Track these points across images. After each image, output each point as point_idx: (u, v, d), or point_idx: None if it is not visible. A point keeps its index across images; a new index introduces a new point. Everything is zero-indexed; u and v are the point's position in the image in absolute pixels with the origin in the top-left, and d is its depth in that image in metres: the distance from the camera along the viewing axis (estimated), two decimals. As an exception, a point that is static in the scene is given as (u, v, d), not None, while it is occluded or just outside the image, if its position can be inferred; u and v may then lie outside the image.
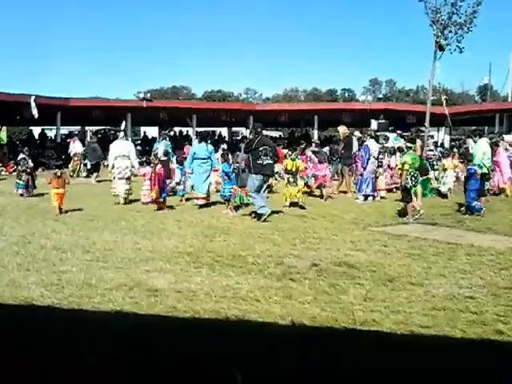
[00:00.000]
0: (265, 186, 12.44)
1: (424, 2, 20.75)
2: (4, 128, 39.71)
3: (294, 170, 14.54)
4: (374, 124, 19.72)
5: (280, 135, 52.38)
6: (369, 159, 15.66)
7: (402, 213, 12.38)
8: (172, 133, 38.49)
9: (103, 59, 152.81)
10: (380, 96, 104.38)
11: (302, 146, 17.64)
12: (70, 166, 25.13)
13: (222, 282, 6.90)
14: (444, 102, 23.95)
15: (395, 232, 10.45)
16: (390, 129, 35.62)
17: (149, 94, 36.71)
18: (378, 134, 32.47)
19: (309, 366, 4.42)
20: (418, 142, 14.98)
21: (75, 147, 26.08)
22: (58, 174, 13.38)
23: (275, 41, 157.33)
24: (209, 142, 15.62)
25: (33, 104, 28.14)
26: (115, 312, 5.73)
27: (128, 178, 15.16)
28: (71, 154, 25.99)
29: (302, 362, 4.47)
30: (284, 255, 8.39)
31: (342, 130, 18.36)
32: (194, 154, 14.04)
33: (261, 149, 12.12)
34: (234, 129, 47.04)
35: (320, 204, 14.75)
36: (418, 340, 5.04)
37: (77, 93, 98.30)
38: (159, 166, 13.72)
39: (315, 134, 38.96)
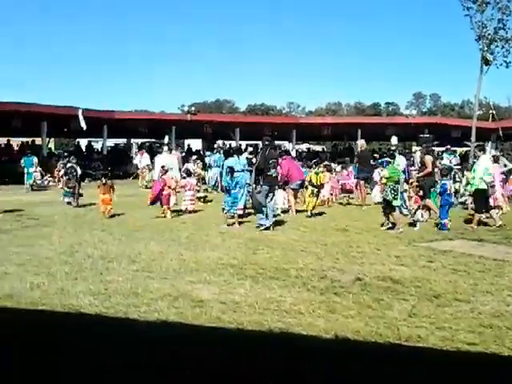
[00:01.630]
0: (271, 196, 12.74)
1: (470, 16, 20.55)
2: (52, 140, 40.70)
3: (318, 183, 15.21)
4: (394, 139, 19.70)
5: (323, 149, 52.31)
6: None
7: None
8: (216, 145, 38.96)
9: (148, 73, 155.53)
10: (424, 110, 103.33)
11: (326, 163, 18.33)
12: (139, 178, 25.77)
13: (266, 294, 6.92)
14: (491, 116, 23.58)
15: (441, 247, 10.30)
16: (435, 143, 35.27)
17: (193, 108, 37.19)
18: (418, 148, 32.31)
19: (351, 381, 4.41)
20: (429, 157, 14.73)
21: (143, 160, 26.56)
22: (103, 181, 14.67)
23: (318, 54, 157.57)
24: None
25: (81, 117, 28.80)
26: (160, 322, 5.81)
27: (174, 189, 15.52)
28: (139, 167, 26.41)
29: (345, 377, 4.46)
30: (327, 269, 8.37)
31: (361, 143, 18.55)
32: (229, 167, 14.14)
33: (271, 162, 12.67)
34: (276, 142, 47.14)
35: (363, 218, 14.63)
36: (464, 357, 4.97)
37: (122, 106, 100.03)
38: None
39: (358, 147, 38.70)
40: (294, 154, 24.02)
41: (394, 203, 12.53)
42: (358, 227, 12.82)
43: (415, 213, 13.08)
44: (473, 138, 21.78)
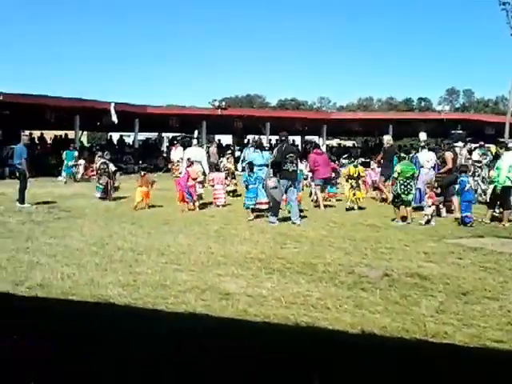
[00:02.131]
0: (292, 191, 12.82)
1: (506, 11, 20.20)
2: (85, 133, 41.21)
3: (356, 175, 15.53)
4: (422, 135, 19.54)
5: (354, 144, 51.98)
6: (419, 169, 15.60)
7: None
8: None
9: (180, 68, 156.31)
10: (457, 106, 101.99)
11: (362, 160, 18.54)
12: (171, 171, 26.06)
13: (293, 288, 6.94)
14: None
15: (471, 244, 10.19)
16: (468, 139, 34.75)
17: (224, 103, 37.21)
18: (455, 144, 31.81)
19: (376, 375, 4.41)
20: (449, 154, 14.58)
21: (176, 153, 26.79)
22: (142, 174, 15.34)
23: (350, 49, 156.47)
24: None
25: (113, 111, 29.08)
26: (188, 313, 5.87)
27: (200, 182, 15.83)
28: (174, 161, 26.65)
29: (371, 372, 4.46)
30: (355, 264, 8.35)
31: (387, 138, 18.30)
32: (253, 161, 14.18)
33: (287, 156, 12.68)
34: (307, 137, 46.93)
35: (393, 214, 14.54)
36: (492, 355, 4.93)
37: (154, 100, 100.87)
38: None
39: (384, 143, 38.28)
40: (324, 149, 23.84)
41: (403, 197, 12.79)
42: (387, 223, 12.73)
43: (428, 208, 12.98)
44: (506, 135, 21.39)
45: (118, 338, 5.05)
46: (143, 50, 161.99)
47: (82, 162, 26.25)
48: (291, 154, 12.84)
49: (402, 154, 14.45)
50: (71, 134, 33.18)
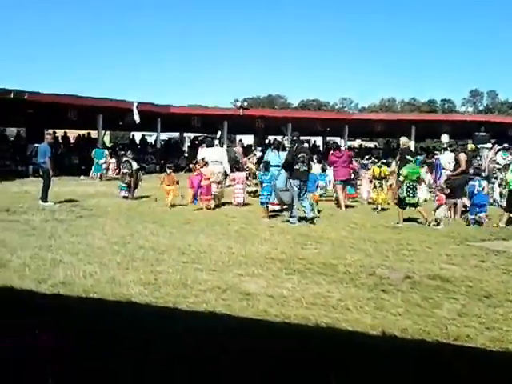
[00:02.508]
0: (303, 192, 12.99)
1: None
2: (107, 133, 41.52)
3: (380, 176, 15.75)
4: (445, 137, 19.39)
5: (375, 145, 51.75)
6: (440, 172, 15.54)
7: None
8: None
9: (203, 68, 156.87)
10: (481, 108, 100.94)
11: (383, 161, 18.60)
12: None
13: (313, 289, 6.93)
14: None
15: (494, 247, 10.08)
16: (492, 141, 34.34)
17: (245, 103, 37.27)
18: (479, 147, 31.49)
19: (396, 378, 4.38)
20: (463, 155, 14.49)
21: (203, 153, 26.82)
22: (168, 172, 15.81)
23: (373, 50, 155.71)
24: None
25: (135, 110, 29.24)
26: (208, 312, 5.89)
27: (220, 182, 16.01)
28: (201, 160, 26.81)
29: (392, 374, 4.44)
30: (376, 266, 8.30)
31: (403, 140, 18.21)
32: (270, 161, 14.23)
33: (299, 156, 12.87)
34: (328, 138, 46.78)
35: (416, 216, 14.46)
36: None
37: (176, 100, 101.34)
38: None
39: (412, 145, 38.05)
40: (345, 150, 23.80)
41: (409, 200, 12.85)
42: (408, 225, 12.65)
43: (437, 209, 12.94)
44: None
45: (138, 337, 5.07)
46: (166, 51, 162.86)
47: (113, 160, 26.54)
48: (303, 155, 12.98)
49: (408, 157, 14.51)
50: (94, 134, 33.46)
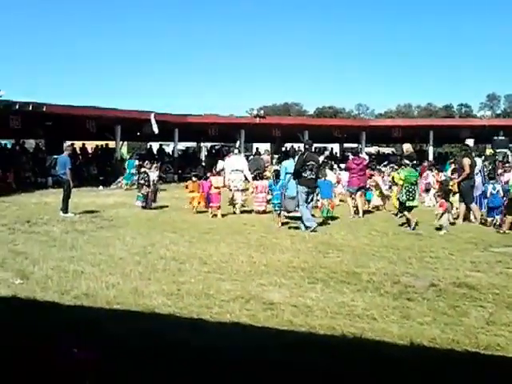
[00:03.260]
0: (310, 198, 13.17)
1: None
2: (125, 143, 41.69)
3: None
4: (470, 142, 19.36)
5: (392, 151, 51.41)
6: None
7: None
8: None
9: (218, 76, 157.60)
10: (498, 112, 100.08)
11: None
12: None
13: (337, 298, 6.85)
14: None
15: (519, 254, 9.94)
16: (511, 146, 33.95)
17: (262, 111, 37.24)
18: (497, 151, 31.16)
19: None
20: (467, 160, 14.35)
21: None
22: (193, 180, 16.54)
23: (388, 55, 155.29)
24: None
25: (153, 120, 29.31)
26: (232, 323, 5.84)
27: (242, 190, 16.24)
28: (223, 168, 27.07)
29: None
30: (400, 274, 8.20)
31: (406, 147, 18.25)
32: (286, 169, 14.24)
33: (308, 164, 13.00)
34: (345, 145, 46.62)
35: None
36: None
37: (192, 110, 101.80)
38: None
39: (430, 150, 37.79)
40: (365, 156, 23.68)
41: (408, 204, 13.09)
42: (430, 231, 12.52)
43: (441, 217, 12.77)
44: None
45: (162, 353, 5.03)
46: (181, 61, 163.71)
47: (142, 170, 26.71)
48: (312, 162, 13.10)
49: (406, 161, 14.54)
50: (112, 144, 33.61)
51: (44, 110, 24.96)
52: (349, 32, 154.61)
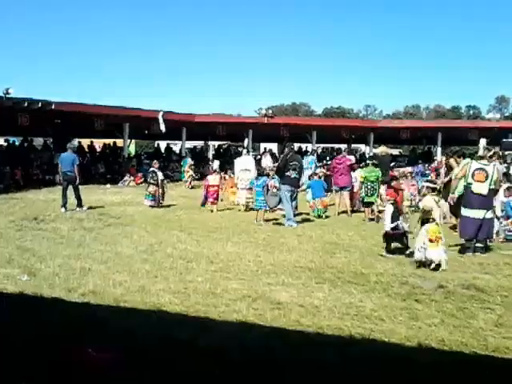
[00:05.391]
0: (293, 197, 13.83)
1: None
2: (132, 142, 41.70)
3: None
4: (483, 142, 19.34)
5: (400, 152, 51.26)
6: None
7: None
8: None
9: (226, 76, 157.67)
10: (507, 114, 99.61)
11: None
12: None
13: (345, 299, 6.82)
14: None
15: (527, 256, 9.86)
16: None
17: (270, 111, 37.17)
18: (506, 153, 30.98)
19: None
20: (453, 160, 14.27)
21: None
22: (230, 175, 17.89)
23: (396, 56, 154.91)
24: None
25: (161, 119, 29.29)
26: (240, 322, 5.81)
27: (250, 189, 16.33)
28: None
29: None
30: (408, 275, 8.15)
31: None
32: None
33: (291, 164, 13.61)
34: (353, 145, 46.48)
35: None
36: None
37: (200, 109, 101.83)
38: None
39: (438, 151, 37.61)
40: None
41: (366, 199, 14.58)
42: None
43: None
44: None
45: (166, 357, 5.01)
46: (189, 60, 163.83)
47: (150, 169, 26.83)
48: (295, 163, 13.73)
49: (368, 161, 16.14)
50: (120, 142, 33.63)
51: (53, 107, 24.98)
52: (357, 32, 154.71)
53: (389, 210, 10.02)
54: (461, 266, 8.86)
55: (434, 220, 8.86)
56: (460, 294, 7.16)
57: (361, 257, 9.52)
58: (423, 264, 8.58)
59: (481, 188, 10.10)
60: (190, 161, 27.13)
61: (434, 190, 9.70)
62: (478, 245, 10.06)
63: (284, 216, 13.78)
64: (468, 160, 12.28)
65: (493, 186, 10.14)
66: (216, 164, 18.62)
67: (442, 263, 8.46)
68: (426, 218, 9.02)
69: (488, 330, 5.74)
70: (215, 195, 16.23)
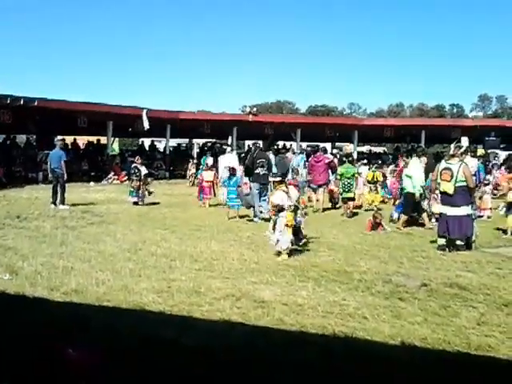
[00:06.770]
0: (263, 194, 14.19)
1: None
2: (116, 139, 41.47)
3: (373, 180, 17.25)
4: (464, 140, 19.49)
5: (384, 150, 51.51)
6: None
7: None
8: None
9: (210, 74, 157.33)
10: (490, 112, 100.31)
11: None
12: None
13: (329, 297, 6.82)
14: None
15: (510, 254, 9.95)
16: (502, 146, 34.06)
17: (255, 109, 37.12)
18: (489, 151, 31.23)
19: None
20: (424, 159, 14.36)
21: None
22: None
23: (380, 54, 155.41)
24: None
25: (145, 117, 29.16)
26: (223, 321, 5.80)
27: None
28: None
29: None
30: (391, 273, 8.19)
31: (349, 147, 18.93)
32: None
33: (258, 161, 14.20)
34: (337, 144, 46.58)
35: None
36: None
37: (184, 106, 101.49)
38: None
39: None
40: (355, 155, 23.69)
41: (344, 195, 15.33)
42: (420, 231, 12.53)
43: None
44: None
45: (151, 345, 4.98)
46: (173, 57, 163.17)
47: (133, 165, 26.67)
48: (262, 160, 14.30)
49: (344, 158, 16.85)
50: (103, 140, 33.44)
51: (35, 104, 24.79)
52: (341, 31, 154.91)
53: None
54: (444, 265, 8.91)
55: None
56: (443, 292, 7.19)
57: (345, 255, 9.54)
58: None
59: (447, 187, 10.27)
60: (209, 159, 26.89)
61: (281, 182, 9.88)
62: (458, 242, 10.15)
63: (261, 212, 13.87)
64: (415, 159, 13.51)
65: (460, 184, 10.18)
66: (210, 160, 19.16)
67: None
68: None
69: (470, 328, 5.77)
70: (210, 190, 17.33)
